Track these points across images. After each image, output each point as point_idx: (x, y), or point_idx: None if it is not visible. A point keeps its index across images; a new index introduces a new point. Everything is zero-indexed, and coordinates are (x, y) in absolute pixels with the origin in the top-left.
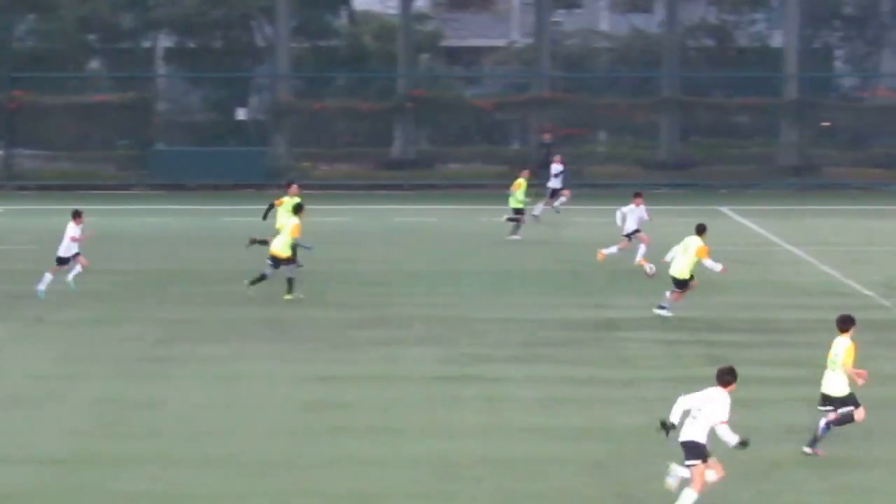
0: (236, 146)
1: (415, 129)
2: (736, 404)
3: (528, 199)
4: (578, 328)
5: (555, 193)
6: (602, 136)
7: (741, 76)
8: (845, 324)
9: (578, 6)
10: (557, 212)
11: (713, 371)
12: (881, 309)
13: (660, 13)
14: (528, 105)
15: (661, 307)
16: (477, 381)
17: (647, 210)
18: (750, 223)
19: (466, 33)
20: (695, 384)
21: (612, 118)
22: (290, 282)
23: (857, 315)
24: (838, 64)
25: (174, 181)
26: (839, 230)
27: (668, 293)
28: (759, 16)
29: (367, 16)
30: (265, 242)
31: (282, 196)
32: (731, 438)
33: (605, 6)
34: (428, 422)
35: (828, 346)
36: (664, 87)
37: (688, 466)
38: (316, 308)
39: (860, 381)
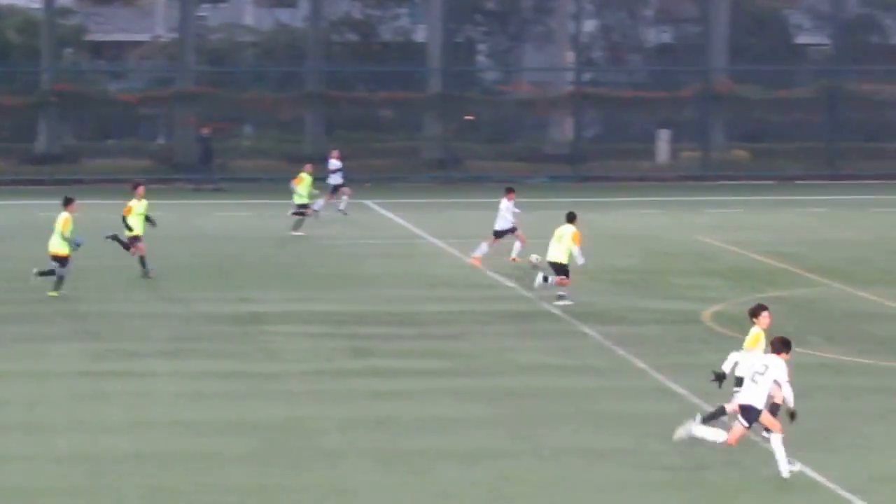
0: None
1: (59, 123)
2: (381, 396)
3: (316, 192)
4: (224, 322)
5: (336, 189)
6: (248, 130)
7: (385, 70)
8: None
9: (223, 0)
10: (345, 214)
11: (358, 364)
12: (523, 300)
13: (304, 7)
14: (174, 99)
15: (560, 297)
16: (123, 377)
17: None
18: (395, 216)
19: (111, 28)
20: (341, 378)
21: (258, 112)
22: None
23: (499, 307)
24: (481, 58)
25: None
26: (482, 223)
27: (548, 279)
28: (402, 10)
29: (11, 10)
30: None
31: None
32: (791, 398)
33: (250, 1)
34: (75, 418)
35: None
36: (309, 81)
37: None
38: None
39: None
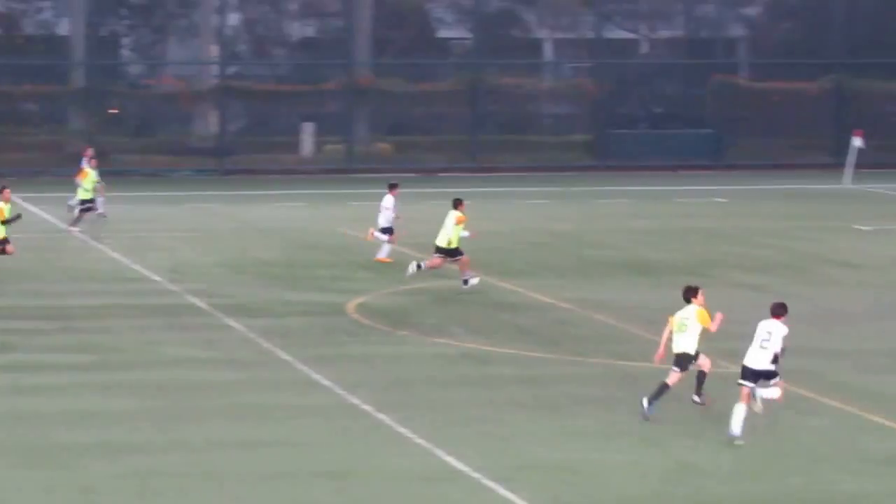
0: None
1: None
2: (25, 391)
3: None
4: None
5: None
6: None
7: (28, 63)
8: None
9: None
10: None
11: (1, 359)
12: (169, 294)
13: None
14: None
15: (465, 282)
16: None
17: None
18: (39, 210)
19: None
20: None
21: None
22: None
23: (146, 301)
24: (126, 52)
25: None
26: (127, 217)
27: (420, 266)
28: (45, 4)
29: None
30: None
31: None
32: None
33: None
34: None
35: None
36: None
37: (772, 386)
38: None
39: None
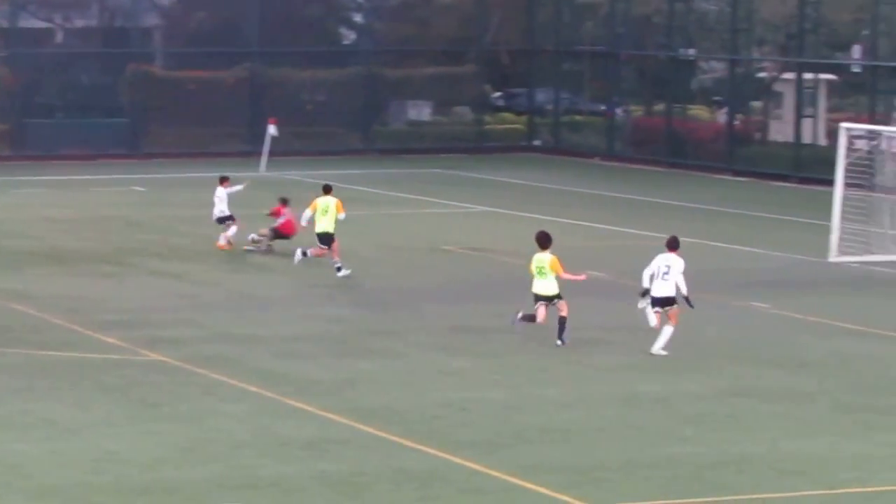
0: None
1: None
2: None
3: None
4: None
5: None
6: None
7: None
8: (545, 241)
9: None
10: None
11: None
12: None
13: None
14: None
15: (339, 269)
16: None
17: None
18: None
19: None
20: None
21: None
22: None
23: None
24: None
25: None
26: None
27: (307, 253)
28: None
29: None
30: None
31: None
32: (685, 289)
33: None
34: None
35: None
36: None
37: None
38: None
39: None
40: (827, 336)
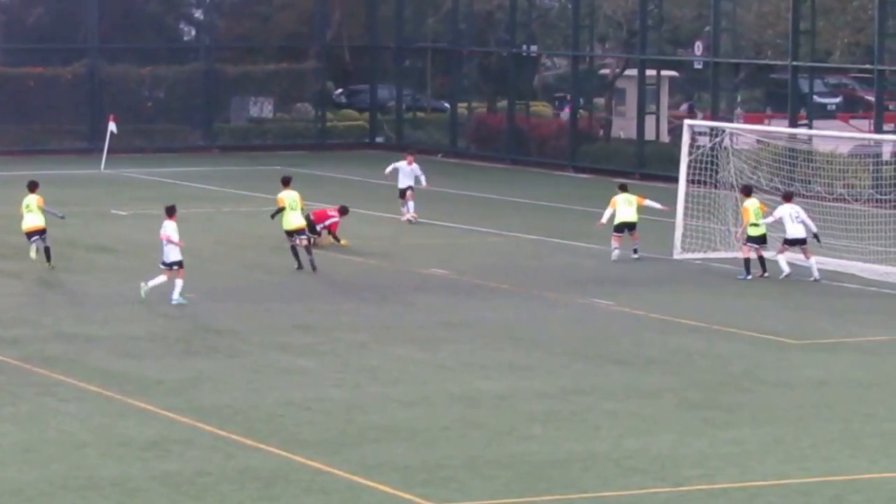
0: None
1: None
2: None
3: None
4: None
5: None
6: None
7: None
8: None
9: None
10: None
11: None
12: None
13: None
14: None
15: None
16: None
17: None
18: None
19: None
20: None
21: None
22: None
23: None
24: None
25: None
26: None
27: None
28: None
29: None
30: None
31: None
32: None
33: None
34: None
35: None
36: None
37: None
38: None
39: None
40: (670, 333)
